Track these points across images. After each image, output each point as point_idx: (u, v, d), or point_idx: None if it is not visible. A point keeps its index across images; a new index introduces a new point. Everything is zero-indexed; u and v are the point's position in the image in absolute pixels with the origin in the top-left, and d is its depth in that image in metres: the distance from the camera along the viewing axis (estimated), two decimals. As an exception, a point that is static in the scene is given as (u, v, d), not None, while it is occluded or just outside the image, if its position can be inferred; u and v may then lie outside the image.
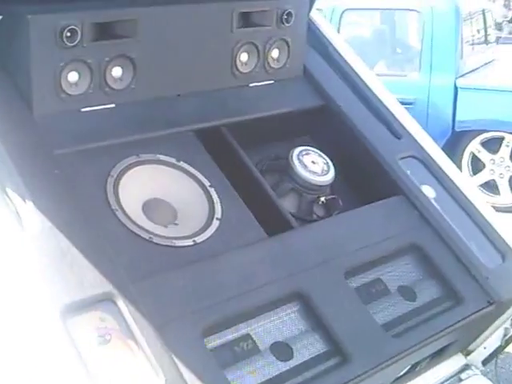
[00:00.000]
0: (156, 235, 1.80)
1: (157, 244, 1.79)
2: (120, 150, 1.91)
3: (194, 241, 1.82)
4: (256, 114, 2.21)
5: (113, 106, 2.00)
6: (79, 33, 1.86)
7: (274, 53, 2.30)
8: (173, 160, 1.96)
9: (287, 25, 2.29)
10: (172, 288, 1.68)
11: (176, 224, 1.88)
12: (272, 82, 2.33)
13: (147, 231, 1.79)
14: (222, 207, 1.92)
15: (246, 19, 2.22)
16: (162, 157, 1.95)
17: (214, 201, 1.93)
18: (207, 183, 1.95)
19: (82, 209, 1.72)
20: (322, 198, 2.20)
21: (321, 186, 2.17)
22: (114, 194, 1.82)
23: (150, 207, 1.90)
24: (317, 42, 2.48)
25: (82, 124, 1.91)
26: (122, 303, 1.58)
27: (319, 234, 2.00)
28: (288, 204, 2.18)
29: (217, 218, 1.89)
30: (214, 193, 1.94)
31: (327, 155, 2.27)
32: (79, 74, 1.92)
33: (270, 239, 1.92)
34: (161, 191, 1.93)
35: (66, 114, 1.92)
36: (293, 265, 1.87)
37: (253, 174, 2.06)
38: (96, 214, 1.76)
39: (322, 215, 2.21)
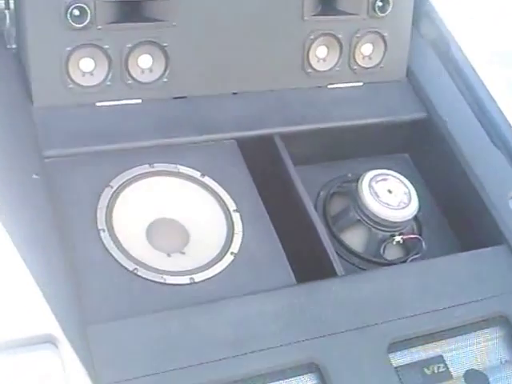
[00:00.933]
0: (146, 266, 1.44)
1: (141, 278, 1.43)
2: (132, 156, 1.58)
3: (191, 278, 1.45)
4: (331, 123, 1.78)
5: (138, 101, 1.66)
6: (89, 12, 1.54)
7: (365, 48, 1.86)
8: (196, 174, 1.59)
9: (382, 14, 1.82)
10: (134, 338, 1.32)
11: (183, 253, 1.51)
12: (360, 84, 1.87)
13: (135, 260, 1.44)
14: (242, 239, 1.52)
15: (325, 4, 1.79)
16: (182, 168, 1.59)
17: (235, 230, 1.53)
18: (232, 206, 1.56)
19: (57, 226, 1.40)
20: (398, 238, 1.72)
21: (394, 222, 1.69)
22: (107, 210, 1.48)
23: (157, 229, 1.55)
24: (433, 36, 1.98)
25: (92, 121, 1.60)
26: (64, 348, 1.25)
27: (370, 286, 1.54)
28: (353, 239, 1.74)
29: (231, 253, 1.50)
30: (239, 219, 1.55)
31: (419, 182, 1.79)
32: (94, 61, 1.60)
33: (294, 287, 1.49)
34: (174, 211, 1.57)
35: (73, 108, 1.61)
36: (314, 325, 1.43)
37: (300, 199, 1.64)
38: (74, 234, 1.43)
39: (395, 258, 1.74)
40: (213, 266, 1.48)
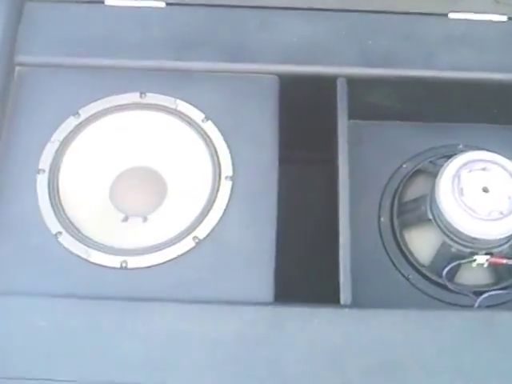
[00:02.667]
0: (75, 232, 1.11)
1: (61, 246, 1.11)
2: (124, 78, 1.21)
3: (124, 262, 1.09)
4: (434, 71, 1.23)
5: (161, 4, 1.27)
6: None
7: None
8: (197, 116, 1.18)
9: None
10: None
11: (144, 220, 1.15)
12: (503, 18, 1.27)
13: (65, 221, 1.12)
14: (218, 221, 1.12)
15: None
16: (182, 105, 1.19)
17: (214, 206, 1.12)
18: (227, 171, 1.14)
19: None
20: (481, 258, 1.18)
21: (478, 238, 1.15)
22: (61, 145, 1.17)
23: (126, 181, 1.19)
24: None
25: (93, 24, 1.26)
26: None
27: (384, 338, 1.05)
28: (418, 243, 1.23)
29: (194, 238, 1.10)
30: (227, 191, 1.13)
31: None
32: None
33: (267, 306, 1.06)
34: (155, 161, 1.20)
35: (76, 6, 1.27)
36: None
37: (334, 181, 1.16)
38: (9, 171, 1.15)
39: (470, 285, 1.20)
40: (161, 250, 1.09)
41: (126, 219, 1.14)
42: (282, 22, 1.24)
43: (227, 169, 1.14)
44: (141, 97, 1.19)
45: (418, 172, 1.26)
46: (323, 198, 1.28)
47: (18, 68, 1.21)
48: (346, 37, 1.24)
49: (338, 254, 1.10)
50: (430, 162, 1.26)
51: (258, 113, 1.19)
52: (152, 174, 1.18)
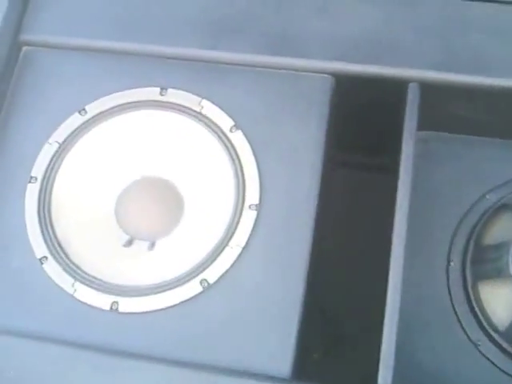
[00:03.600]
0: (62, 258, 0.93)
1: (44, 275, 0.93)
2: (145, 68, 1.01)
3: (114, 304, 0.90)
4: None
5: None
6: None
7: None
8: (226, 123, 0.97)
9: None
10: None
11: (151, 246, 0.95)
12: None
13: (52, 242, 0.94)
14: (233, 264, 0.91)
15: None
16: (208, 107, 0.97)
17: (231, 243, 0.92)
18: (252, 199, 0.93)
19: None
20: None
21: None
22: (60, 148, 0.98)
23: (136, 194, 0.99)
24: None
25: (106, 2, 1.04)
26: None
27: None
28: (495, 300, 0.99)
29: (203, 281, 0.90)
30: (249, 225, 0.92)
31: None
32: None
33: None
34: (171, 173, 0.99)
35: None
36: None
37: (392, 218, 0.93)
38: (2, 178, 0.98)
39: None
40: (159, 292, 0.89)
41: (129, 243, 0.94)
42: (345, 8, 0.99)
43: (253, 195, 0.92)
44: (161, 93, 0.98)
45: (504, 207, 0.99)
46: (374, 221, 1.04)
47: (24, 48, 1.02)
48: (424, 30, 0.97)
49: (384, 310, 0.87)
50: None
51: (303, 123, 0.96)
52: (167, 189, 0.97)
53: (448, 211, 1.00)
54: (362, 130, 1.05)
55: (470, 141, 1.02)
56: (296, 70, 0.98)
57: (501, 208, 1.00)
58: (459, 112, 0.98)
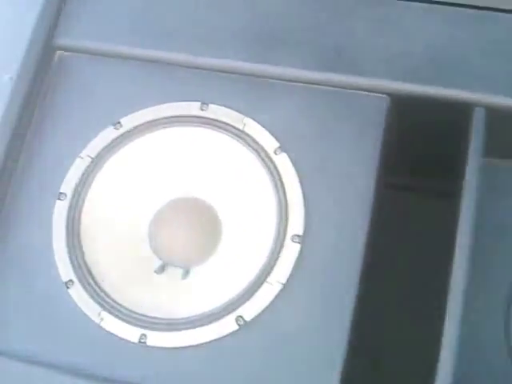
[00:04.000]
0: (89, 284, 0.88)
1: (70, 301, 0.88)
2: (187, 79, 0.94)
3: (143, 336, 0.85)
4: None
5: None
6: None
7: None
8: (270, 144, 0.90)
9: None
10: None
11: (185, 273, 0.90)
12: None
13: (79, 268, 0.89)
14: (274, 300, 0.85)
15: None
16: (251, 125, 0.91)
17: (269, 278, 0.85)
18: (295, 229, 0.86)
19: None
20: None
21: None
22: (93, 163, 0.92)
23: (172, 215, 0.94)
24: None
25: (146, 7, 0.98)
26: None
27: None
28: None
29: (239, 319, 0.84)
30: (290, 256, 0.86)
31: None
32: None
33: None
34: (211, 196, 0.93)
35: None
36: None
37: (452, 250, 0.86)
38: (30, 195, 0.93)
39: None
40: (191, 327, 0.84)
41: (162, 269, 0.88)
42: (407, 22, 0.91)
43: (296, 225, 0.85)
44: (201, 108, 0.91)
45: None
46: (430, 253, 0.97)
47: (58, 53, 0.96)
48: (493, 50, 0.89)
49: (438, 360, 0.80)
50: None
51: (354, 146, 0.89)
52: (205, 212, 0.91)
53: None
54: (420, 153, 0.97)
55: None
56: (349, 88, 0.91)
57: None
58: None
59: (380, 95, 0.90)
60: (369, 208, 0.85)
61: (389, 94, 0.90)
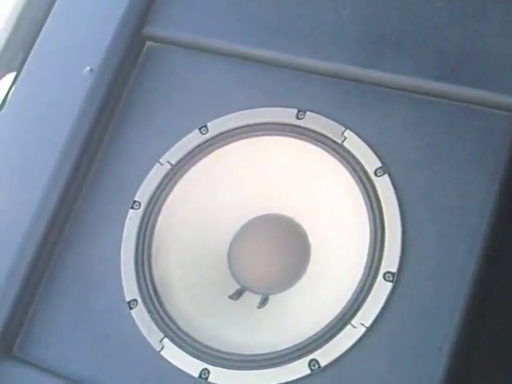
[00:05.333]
0: (152, 309, 0.83)
1: (132, 325, 0.83)
2: (287, 84, 0.87)
3: (205, 372, 0.79)
4: None
5: None
6: None
7: None
8: (372, 163, 0.82)
9: None
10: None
11: (262, 303, 0.83)
12: None
13: (145, 288, 0.84)
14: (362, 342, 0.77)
15: None
16: (353, 139, 0.83)
17: (358, 317, 0.77)
18: (391, 267, 0.78)
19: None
20: None
21: None
22: (172, 171, 0.87)
23: (255, 235, 0.87)
24: None
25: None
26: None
27: None
28: None
29: (314, 363, 0.77)
30: (383, 294, 0.77)
31: None
32: None
33: None
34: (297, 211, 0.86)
35: None
36: None
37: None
38: (100, 205, 0.89)
39: None
40: (259, 368, 0.77)
41: (238, 295, 0.81)
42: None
43: (391, 261, 0.75)
44: (298, 116, 0.83)
45: None
46: None
47: (148, 43, 0.91)
48: None
49: None
50: None
51: (471, 172, 0.78)
52: (294, 234, 0.83)
53: None
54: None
55: None
56: (471, 102, 0.79)
57: None
58: None
59: (506, 113, 0.78)
60: (480, 247, 0.74)
61: (517, 113, 0.78)
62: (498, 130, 0.78)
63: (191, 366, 0.77)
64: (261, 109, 0.84)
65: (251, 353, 0.76)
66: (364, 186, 0.78)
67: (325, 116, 0.82)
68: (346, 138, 0.80)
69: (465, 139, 0.78)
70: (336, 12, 0.84)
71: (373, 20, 0.83)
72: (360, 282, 0.75)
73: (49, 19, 0.93)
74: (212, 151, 0.84)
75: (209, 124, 0.85)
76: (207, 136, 0.84)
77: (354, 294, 0.75)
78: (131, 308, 0.80)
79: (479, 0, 0.80)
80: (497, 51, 0.79)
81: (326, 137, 0.81)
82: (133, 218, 0.84)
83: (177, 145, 0.85)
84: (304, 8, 0.86)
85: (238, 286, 0.82)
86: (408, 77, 0.81)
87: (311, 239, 0.81)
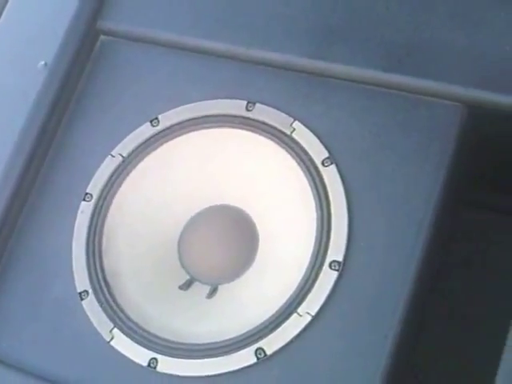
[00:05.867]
0: (104, 297, 0.84)
1: (81, 315, 0.85)
2: (236, 74, 0.89)
3: (153, 361, 0.80)
4: None
5: None
6: None
7: None
8: (319, 154, 0.83)
9: None
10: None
11: (211, 294, 0.85)
12: None
13: (97, 277, 0.85)
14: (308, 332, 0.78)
15: None
16: (300, 130, 0.84)
17: (304, 305, 0.78)
18: (337, 256, 0.79)
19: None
20: None
21: None
22: (125, 162, 0.89)
23: (206, 225, 0.88)
24: None
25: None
26: None
27: None
28: None
29: (259, 351, 0.78)
30: (329, 283, 0.79)
31: None
32: None
33: None
34: (246, 201, 0.87)
35: None
36: None
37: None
38: (51, 197, 0.91)
39: None
40: (206, 356, 0.78)
41: (187, 285, 0.83)
42: (496, 20, 0.80)
43: (337, 250, 0.77)
44: (247, 108, 0.84)
45: None
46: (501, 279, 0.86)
47: (101, 37, 0.92)
48: None
49: None
50: None
51: (417, 162, 0.79)
52: (243, 224, 0.84)
53: None
54: (499, 169, 0.86)
55: None
56: (417, 92, 0.81)
57: None
58: None
59: (453, 103, 0.80)
60: (426, 236, 0.76)
61: (465, 103, 0.79)
62: (444, 119, 0.79)
63: (140, 355, 0.78)
64: (211, 101, 0.85)
65: (199, 342, 0.77)
66: (311, 176, 0.79)
67: (274, 107, 0.83)
68: (294, 129, 0.82)
69: (411, 129, 0.80)
70: (285, 4, 0.85)
71: (321, 11, 0.84)
72: (306, 272, 0.76)
73: (3, 13, 0.94)
74: (163, 143, 0.85)
75: (160, 116, 0.86)
76: (158, 128, 0.86)
77: (300, 284, 0.76)
78: (82, 299, 0.81)
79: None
80: (443, 42, 0.81)
81: (274, 128, 0.82)
82: (84, 211, 0.85)
83: (128, 137, 0.86)
84: (253, 0, 0.87)
85: (188, 277, 0.83)
86: (356, 68, 0.82)
87: (260, 230, 0.82)
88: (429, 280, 0.77)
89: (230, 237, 0.83)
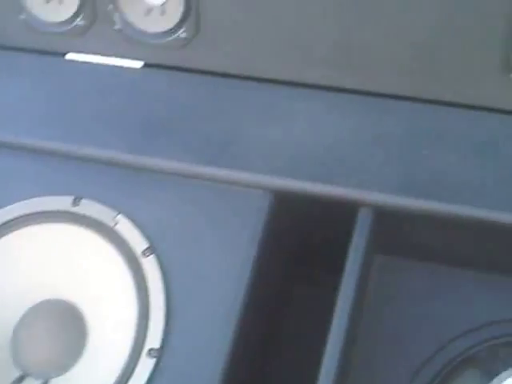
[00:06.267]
0: None
1: None
2: (63, 171, 0.93)
3: None
4: None
5: (136, 64, 0.97)
6: None
7: None
8: (139, 245, 0.87)
9: None
10: None
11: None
12: None
13: None
14: None
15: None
16: (122, 223, 0.88)
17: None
18: (154, 343, 0.83)
19: None
20: None
21: None
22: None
23: (37, 321, 0.91)
24: None
25: (46, 84, 0.98)
26: None
27: None
28: None
29: None
30: (146, 371, 0.82)
31: None
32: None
33: None
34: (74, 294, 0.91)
35: (27, 55, 1.00)
36: None
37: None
38: None
39: None
40: None
41: (19, 380, 0.85)
42: (297, 117, 0.87)
43: (155, 338, 0.81)
44: (74, 204, 0.89)
45: (466, 362, 0.84)
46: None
47: None
48: (385, 142, 0.84)
49: None
50: (489, 348, 0.84)
51: (230, 247, 0.85)
52: (71, 318, 0.87)
53: (403, 359, 0.86)
54: (311, 249, 0.92)
55: (431, 269, 0.88)
56: (230, 183, 0.87)
57: (462, 362, 0.84)
58: (423, 240, 0.85)
59: (262, 191, 0.85)
60: (236, 316, 0.81)
61: (271, 191, 0.85)
62: (254, 206, 0.85)
63: None
64: (39, 198, 0.89)
65: None
66: (132, 267, 0.84)
67: (99, 202, 0.88)
68: (117, 223, 0.86)
69: (226, 217, 0.85)
70: (105, 100, 0.91)
71: (142, 107, 0.90)
72: (127, 360, 0.80)
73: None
74: (7, 233, 0.88)
75: (-3, 214, 0.89)
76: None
77: (120, 374, 0.79)
78: None
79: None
80: (252, 135, 0.87)
81: (99, 222, 0.87)
82: None
83: (-42, 237, 0.89)
84: (77, 99, 0.92)
85: (20, 373, 0.86)
86: (174, 161, 0.88)
87: (88, 321, 0.86)
88: (250, 355, 0.81)
89: (59, 330, 0.86)
